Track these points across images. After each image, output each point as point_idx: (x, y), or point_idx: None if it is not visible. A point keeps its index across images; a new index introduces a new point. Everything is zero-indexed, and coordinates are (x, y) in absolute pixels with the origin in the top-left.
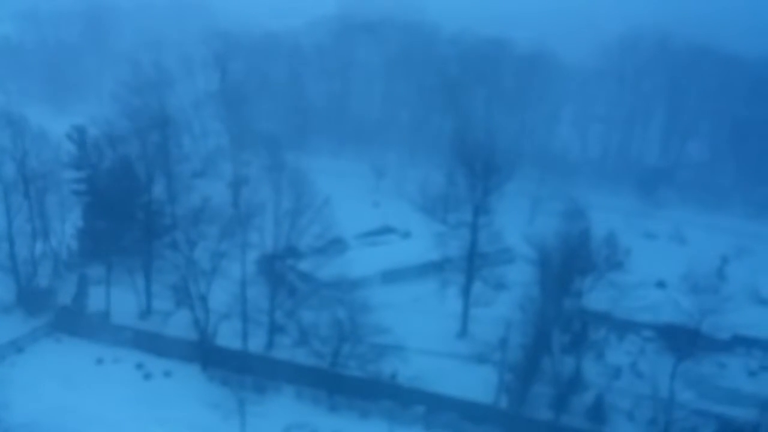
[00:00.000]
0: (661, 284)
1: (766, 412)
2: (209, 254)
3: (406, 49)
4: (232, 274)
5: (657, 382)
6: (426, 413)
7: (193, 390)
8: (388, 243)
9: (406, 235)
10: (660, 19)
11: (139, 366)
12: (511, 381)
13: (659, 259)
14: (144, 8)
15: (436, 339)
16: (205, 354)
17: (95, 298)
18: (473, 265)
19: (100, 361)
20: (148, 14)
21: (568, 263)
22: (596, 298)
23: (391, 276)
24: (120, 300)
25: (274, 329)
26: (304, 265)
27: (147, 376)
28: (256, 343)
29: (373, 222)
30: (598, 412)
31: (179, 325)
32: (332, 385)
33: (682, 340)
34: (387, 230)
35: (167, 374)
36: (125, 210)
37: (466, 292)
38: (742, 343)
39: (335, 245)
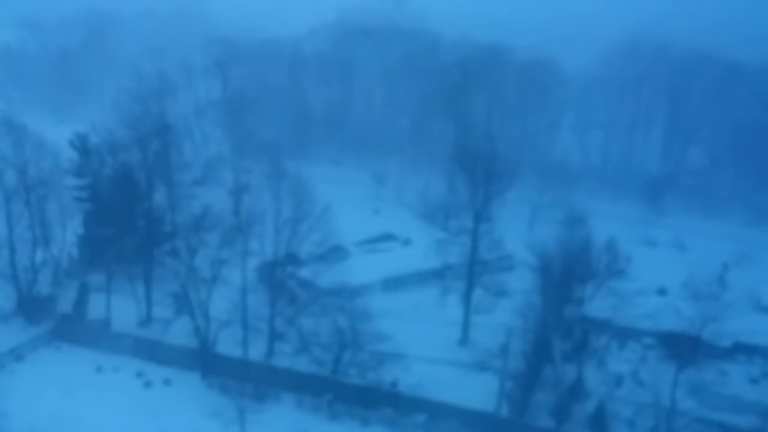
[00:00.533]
0: (662, 291)
1: None
2: (210, 262)
3: (407, 57)
4: (232, 281)
5: (658, 390)
6: (427, 421)
7: (193, 398)
8: (389, 250)
9: (407, 242)
10: (660, 26)
11: (139, 374)
12: (512, 389)
13: (660, 266)
14: (145, 16)
15: (436, 346)
16: (205, 362)
17: (95, 306)
18: (474, 272)
19: (99, 370)
20: (149, 22)
21: (569, 270)
22: (597, 305)
23: (392, 283)
24: (120, 308)
25: (275, 337)
26: (304, 273)
27: (147, 385)
28: (256, 351)
29: (373, 229)
30: (599, 420)
31: (179, 333)
32: (333, 392)
33: (684, 348)
34: (387, 237)
35: (167, 382)
36: (126, 217)
37: (466, 299)
38: (743, 350)
39: (336, 253)
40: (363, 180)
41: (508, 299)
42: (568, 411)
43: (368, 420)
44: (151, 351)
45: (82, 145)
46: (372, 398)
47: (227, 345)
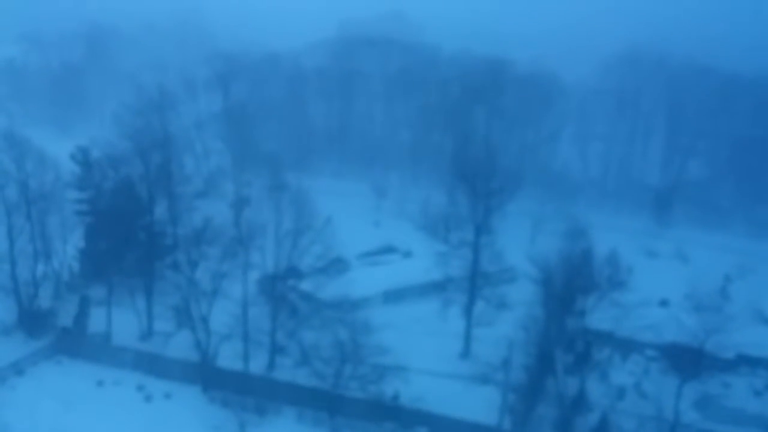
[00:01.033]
0: (664, 303)
1: None
2: (210, 275)
3: (407, 70)
4: (233, 294)
5: (661, 402)
6: None
7: (194, 412)
8: (390, 263)
9: (408, 254)
10: (659, 38)
11: (140, 388)
12: (514, 402)
13: (662, 277)
14: (147, 30)
15: (438, 359)
16: (206, 375)
17: (96, 320)
18: (475, 284)
19: (100, 383)
20: (150, 36)
21: (571, 282)
22: (599, 317)
23: (393, 296)
24: (121, 321)
25: (276, 350)
26: (305, 286)
27: (147, 398)
28: (257, 365)
29: (374, 242)
30: None
31: (180, 347)
32: (334, 406)
33: (687, 360)
34: (388, 250)
35: (168, 396)
36: (127, 231)
37: (468, 311)
38: (746, 362)
39: (336, 265)
40: (364, 192)
41: (509, 311)
42: (571, 424)
43: None
44: (152, 364)
45: (83, 159)
46: (373, 412)
47: (228, 358)
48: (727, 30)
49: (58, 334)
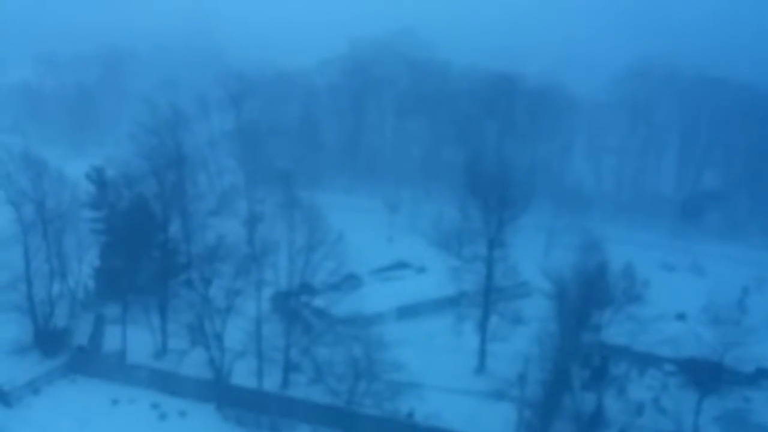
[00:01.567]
0: (681, 317)
1: None
2: (224, 292)
3: (417, 86)
4: (247, 311)
5: (681, 418)
6: None
7: (209, 430)
8: (403, 278)
9: (421, 270)
10: (670, 50)
11: (155, 406)
12: (530, 418)
13: (678, 291)
14: (161, 51)
15: (453, 375)
16: (221, 393)
17: (111, 338)
18: (489, 299)
19: (115, 402)
20: (164, 57)
21: (586, 296)
22: (615, 331)
23: (407, 311)
24: (136, 339)
25: (290, 367)
26: (318, 302)
27: (162, 417)
28: (271, 382)
29: (387, 257)
30: None
31: (194, 364)
32: (348, 423)
33: (705, 374)
34: (401, 265)
35: (182, 414)
36: (141, 249)
37: (482, 327)
38: (766, 375)
39: (350, 281)
40: (376, 208)
41: (524, 326)
42: None
43: None
44: (167, 382)
45: (98, 178)
46: (388, 429)
47: (242, 376)
48: (738, 41)
49: (74, 353)
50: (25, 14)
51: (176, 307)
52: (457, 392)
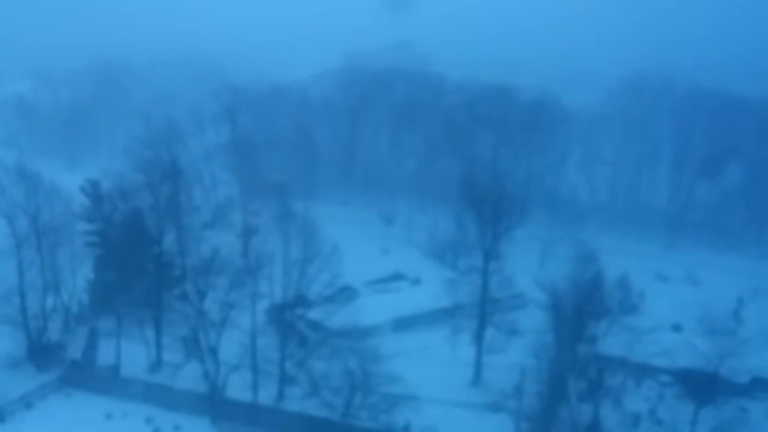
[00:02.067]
0: (676, 327)
1: None
2: (219, 305)
3: (412, 99)
4: (241, 324)
5: (677, 429)
6: None
7: None
8: (398, 290)
9: (416, 281)
10: (663, 62)
11: (149, 420)
12: (527, 430)
13: (673, 301)
14: (156, 65)
15: (449, 387)
16: (215, 407)
17: (105, 352)
18: (485, 311)
19: (109, 416)
20: (160, 70)
21: (581, 308)
22: (611, 343)
23: (402, 323)
24: (130, 353)
25: (285, 380)
26: (314, 314)
27: (156, 431)
28: (266, 395)
29: (382, 269)
30: None
31: (189, 378)
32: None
33: (701, 385)
34: (397, 277)
35: (177, 428)
36: (136, 262)
37: (478, 338)
38: (762, 386)
39: (345, 293)
40: (371, 220)
41: (520, 338)
42: None
43: None
44: (161, 396)
45: (93, 191)
46: None
47: (237, 389)
48: (731, 53)
49: (67, 367)
50: (21, 29)
51: (171, 321)
52: (453, 404)
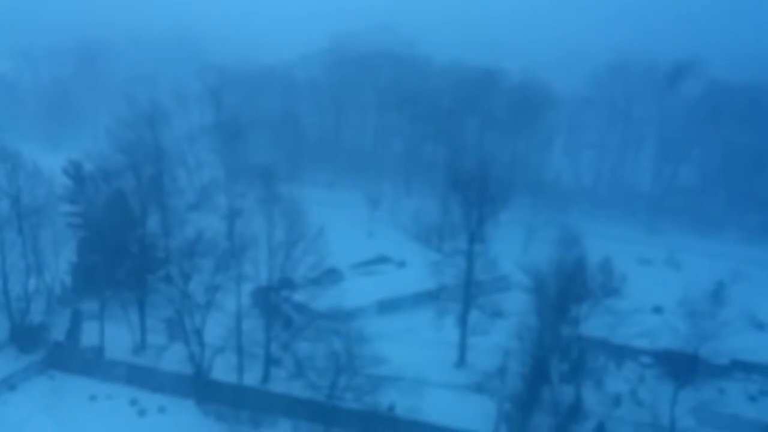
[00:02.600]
0: (657, 310)
1: None
2: (203, 287)
3: (398, 81)
4: (226, 307)
5: (657, 409)
6: None
7: (188, 426)
8: (384, 273)
9: (402, 264)
10: (648, 47)
11: (133, 402)
12: (510, 411)
13: (655, 284)
14: (139, 44)
15: (433, 369)
16: (200, 388)
17: (89, 334)
18: (469, 293)
19: (93, 398)
20: (142, 50)
21: (564, 290)
22: (593, 325)
23: (387, 306)
24: (114, 335)
25: (270, 362)
26: (299, 297)
27: (141, 413)
28: (251, 377)
29: (368, 252)
30: None
31: (174, 360)
32: (329, 417)
33: (681, 366)
34: (382, 260)
35: (162, 410)
36: (119, 244)
37: (462, 320)
38: (740, 368)
39: (330, 276)
40: (357, 203)
41: (504, 320)
42: None
43: None
44: (145, 378)
45: (76, 173)
46: (369, 423)
47: (222, 371)
48: (715, 38)
49: (51, 349)
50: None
51: (155, 303)
52: (437, 385)
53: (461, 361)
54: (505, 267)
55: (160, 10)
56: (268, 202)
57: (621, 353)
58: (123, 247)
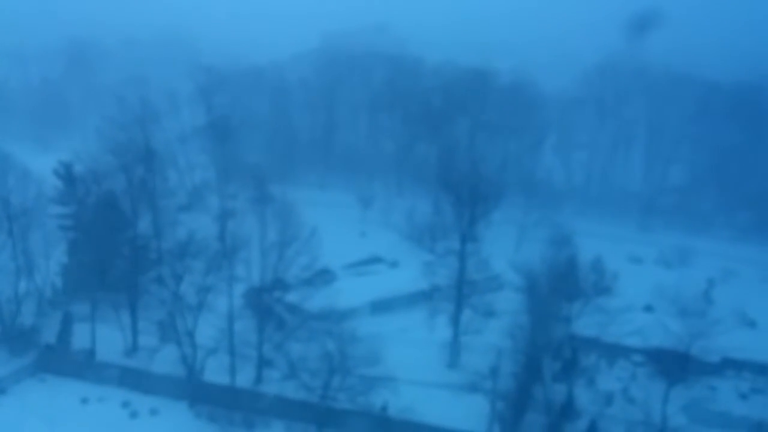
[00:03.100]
0: (649, 308)
1: None
2: (195, 289)
3: (390, 81)
4: (219, 308)
5: (649, 407)
6: None
7: (181, 428)
8: (376, 273)
9: (394, 264)
10: (638, 48)
11: (125, 404)
12: (503, 410)
13: (646, 283)
14: (129, 45)
15: (426, 369)
16: (193, 390)
17: (80, 336)
18: (462, 293)
19: (85, 401)
20: (133, 50)
21: (556, 289)
22: (585, 323)
23: (380, 306)
24: (105, 337)
25: (263, 363)
26: (291, 297)
27: (133, 415)
28: (244, 378)
29: (360, 252)
30: None
31: (166, 362)
32: (322, 418)
33: (673, 364)
34: (375, 260)
35: (154, 412)
36: (110, 245)
37: (455, 320)
38: (731, 365)
39: (323, 276)
40: (349, 203)
41: (496, 320)
42: (560, 431)
43: None
44: (137, 380)
45: (66, 174)
46: (362, 423)
47: (215, 372)
48: (705, 38)
49: (41, 352)
50: None
51: (146, 304)
52: (430, 385)
53: (454, 361)
54: (497, 266)
55: (151, 11)
56: (260, 202)
57: (613, 352)
58: (114, 249)
